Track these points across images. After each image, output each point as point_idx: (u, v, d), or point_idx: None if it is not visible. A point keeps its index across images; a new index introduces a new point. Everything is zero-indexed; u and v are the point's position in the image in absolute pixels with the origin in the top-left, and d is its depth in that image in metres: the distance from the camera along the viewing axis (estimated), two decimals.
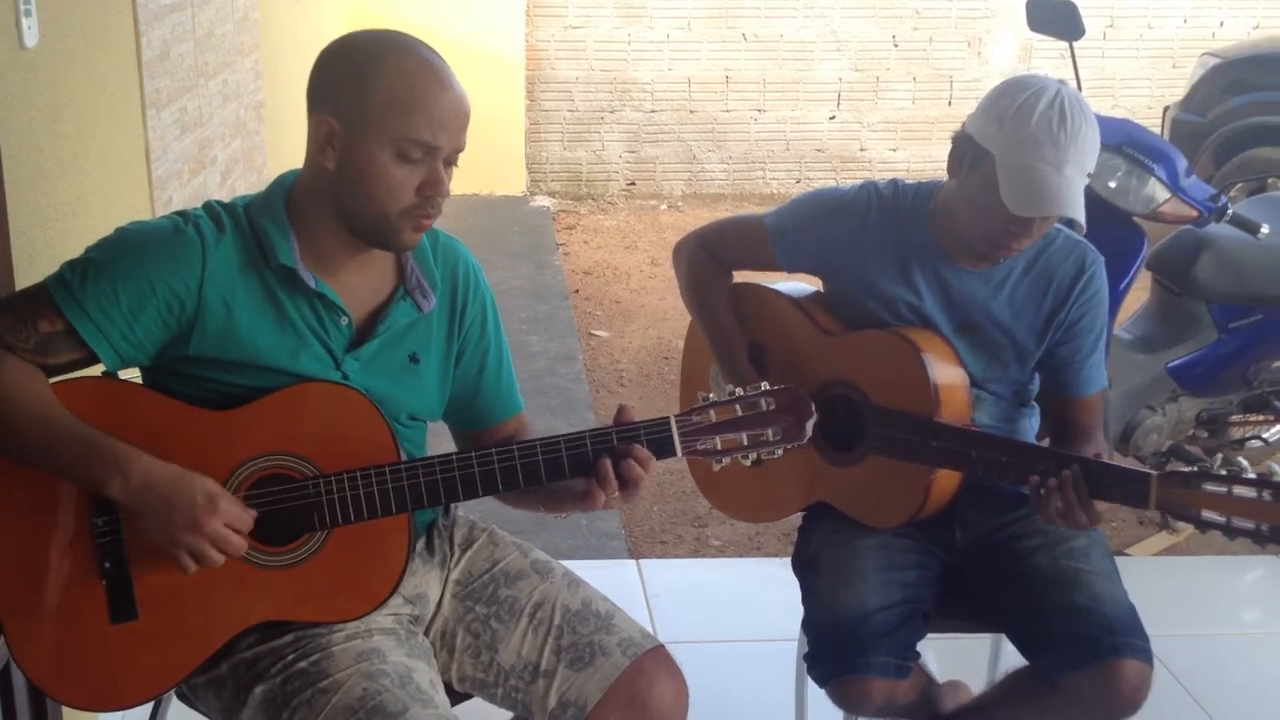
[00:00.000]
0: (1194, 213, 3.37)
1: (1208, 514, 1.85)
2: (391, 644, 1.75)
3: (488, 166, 7.38)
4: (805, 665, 2.16)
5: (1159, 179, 3.33)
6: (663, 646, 1.87)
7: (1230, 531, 1.84)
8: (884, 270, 2.20)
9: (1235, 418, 3.77)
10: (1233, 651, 3.13)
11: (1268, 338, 3.61)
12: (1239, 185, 5.63)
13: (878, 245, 2.20)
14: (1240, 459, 3.69)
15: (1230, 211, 3.38)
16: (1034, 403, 2.32)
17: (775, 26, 7.92)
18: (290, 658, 1.71)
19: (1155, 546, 3.79)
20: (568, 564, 1.98)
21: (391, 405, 1.77)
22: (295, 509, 1.68)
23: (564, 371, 5.08)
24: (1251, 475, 1.85)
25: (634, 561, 3.52)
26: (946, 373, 2.14)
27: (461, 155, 1.72)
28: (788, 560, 2.33)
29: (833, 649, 2.09)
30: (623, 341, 5.53)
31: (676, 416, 1.73)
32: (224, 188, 3.81)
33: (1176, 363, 3.62)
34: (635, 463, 1.69)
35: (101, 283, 1.64)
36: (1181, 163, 3.42)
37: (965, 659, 2.57)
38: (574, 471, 1.71)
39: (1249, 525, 1.82)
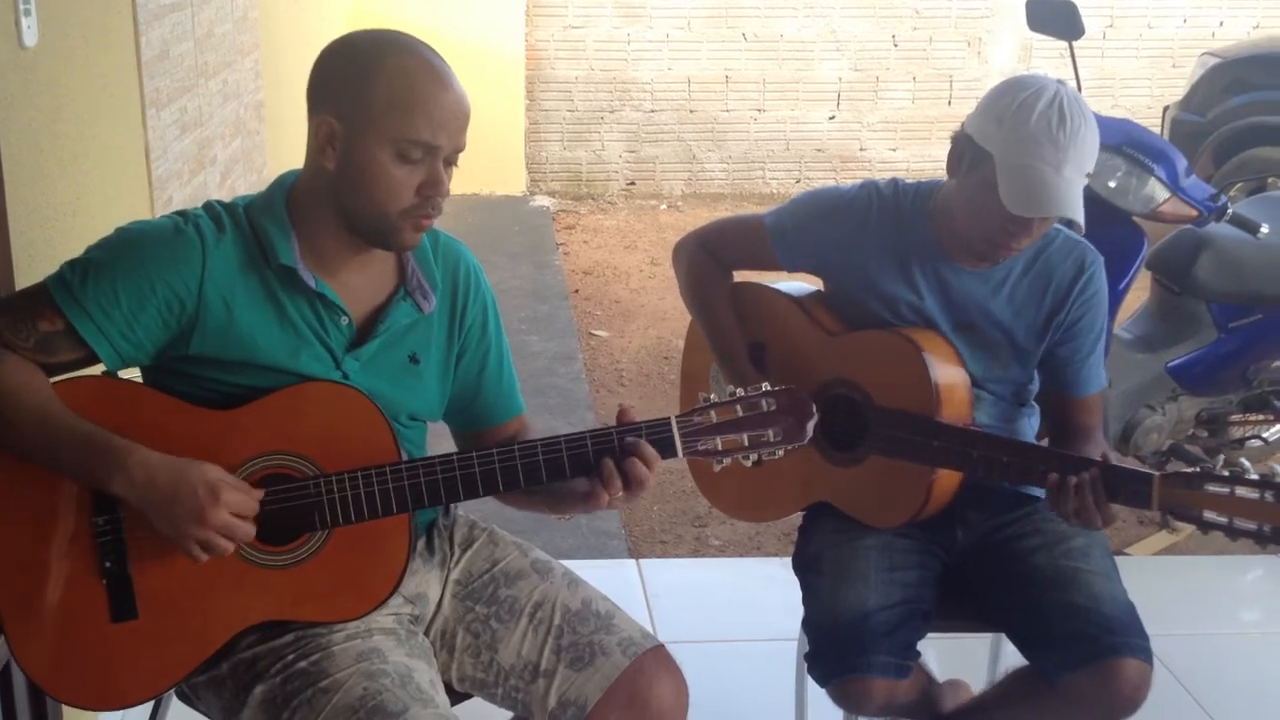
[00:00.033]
0: (1194, 212, 3.37)
1: (1210, 515, 1.85)
2: (392, 644, 1.75)
3: (488, 166, 7.38)
4: (805, 665, 2.16)
5: (1159, 179, 3.33)
6: (663, 646, 1.87)
7: (1232, 532, 1.84)
8: (884, 269, 2.20)
9: (1235, 417, 3.77)
10: (1233, 651, 3.13)
11: (1267, 337, 3.61)
12: (1239, 185, 5.63)
13: (878, 245, 2.20)
14: (1243, 459, 3.68)
15: (1230, 211, 3.38)
16: (1034, 403, 2.32)
17: (775, 26, 7.92)
18: (290, 657, 1.71)
19: (1155, 546, 3.79)
20: (568, 564, 1.98)
21: (391, 405, 1.77)
22: (296, 508, 1.68)
23: (564, 371, 5.08)
24: (1254, 476, 1.85)
25: (634, 561, 3.52)
26: (948, 373, 2.14)
27: (461, 155, 1.72)
28: (788, 560, 2.33)
29: (833, 648, 2.09)
30: (622, 341, 5.53)
31: (678, 417, 1.73)
32: (224, 188, 3.81)
33: (1176, 362, 3.62)
34: (641, 462, 1.69)
35: (102, 282, 1.64)
36: (1181, 162, 3.42)
37: (965, 658, 2.57)
38: (574, 471, 1.71)
39: (1251, 526, 1.82)
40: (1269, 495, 1.80)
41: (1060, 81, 2.06)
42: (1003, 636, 2.35)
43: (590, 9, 7.80)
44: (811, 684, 2.17)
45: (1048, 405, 2.29)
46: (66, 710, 2.23)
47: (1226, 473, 1.85)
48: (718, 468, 1.75)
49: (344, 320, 1.76)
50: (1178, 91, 6.83)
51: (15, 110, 2.06)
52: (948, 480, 2.14)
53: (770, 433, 1.73)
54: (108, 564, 1.66)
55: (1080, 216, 2.02)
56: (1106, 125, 3.16)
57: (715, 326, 2.36)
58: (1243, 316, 3.59)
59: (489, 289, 1.94)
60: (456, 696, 1.89)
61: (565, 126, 8.00)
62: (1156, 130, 5.75)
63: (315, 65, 1.70)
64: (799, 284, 2.40)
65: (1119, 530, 3.85)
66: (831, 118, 8.11)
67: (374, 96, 1.64)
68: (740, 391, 1.74)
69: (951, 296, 2.19)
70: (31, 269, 2.03)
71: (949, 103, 8.10)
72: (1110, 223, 3.28)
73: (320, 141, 1.68)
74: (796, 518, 2.37)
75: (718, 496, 2.51)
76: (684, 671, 1.87)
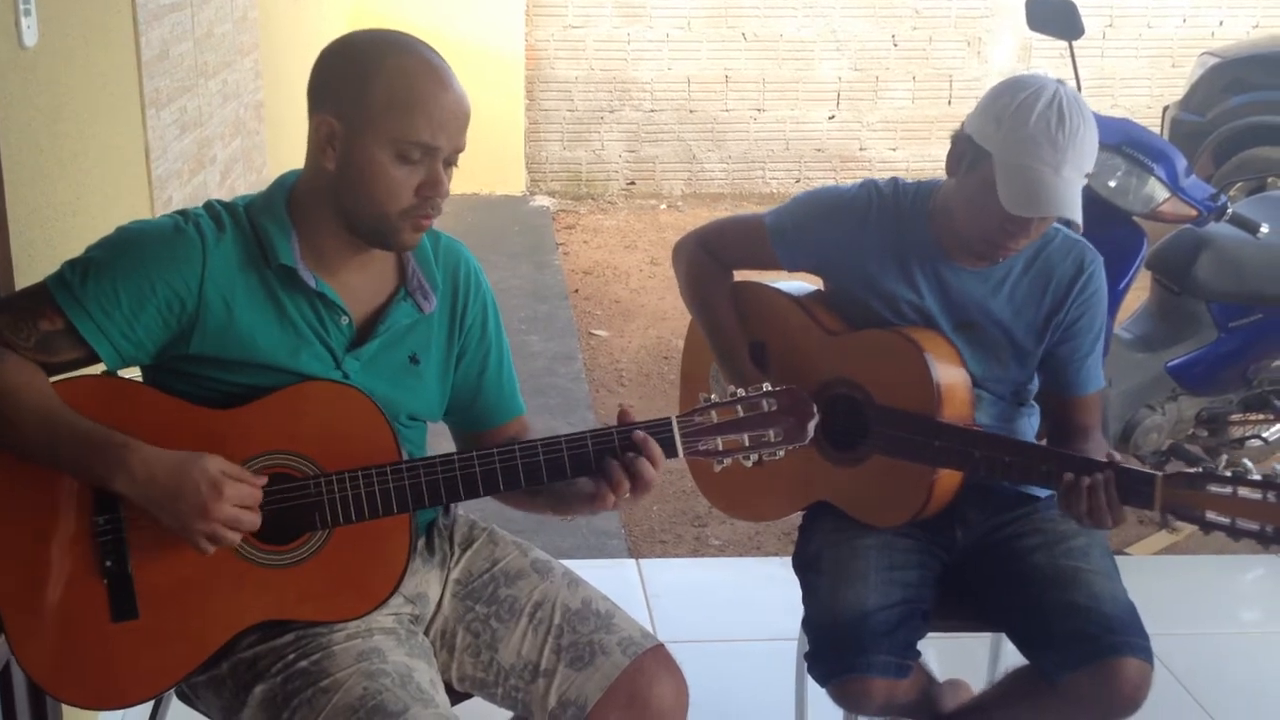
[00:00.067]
0: (1193, 212, 3.37)
1: (1212, 515, 1.84)
2: (392, 643, 1.75)
3: (487, 166, 7.38)
4: (805, 664, 2.16)
5: (1158, 178, 3.33)
6: (663, 646, 1.87)
7: (1235, 533, 1.83)
8: (884, 269, 2.20)
9: (1235, 417, 3.77)
10: (1233, 650, 3.13)
11: (1267, 337, 3.61)
12: (1238, 184, 5.63)
13: (877, 244, 2.20)
14: (1245, 460, 3.69)
15: (1230, 211, 3.38)
16: (1033, 402, 2.32)
17: (775, 26, 7.92)
18: (291, 657, 1.71)
19: (1155, 545, 3.79)
20: (568, 563, 1.98)
21: (391, 405, 1.77)
22: (297, 508, 1.68)
23: (564, 371, 5.08)
24: (1257, 476, 1.84)
25: (634, 561, 3.52)
26: (949, 372, 2.14)
27: (461, 155, 1.72)
28: (788, 560, 2.33)
29: (833, 648, 2.09)
30: (622, 341, 5.53)
31: (678, 417, 1.73)
32: (223, 187, 3.81)
33: (1176, 362, 3.62)
34: (649, 461, 1.69)
35: (102, 281, 1.64)
36: (1181, 162, 3.42)
37: (965, 658, 2.57)
38: (575, 471, 1.71)
39: (1254, 526, 1.82)
40: (1271, 496, 1.80)
41: (1060, 81, 2.06)
42: (1003, 636, 2.35)
43: (590, 9, 7.80)
44: (811, 684, 2.17)
45: (1047, 405, 2.29)
46: (66, 710, 2.23)
47: (1229, 473, 1.84)
48: (718, 468, 1.75)
49: (344, 320, 1.76)
50: (1177, 91, 6.83)
51: (15, 110, 2.06)
52: (949, 480, 2.14)
53: (771, 433, 1.73)
54: (108, 563, 1.66)
55: (1079, 217, 2.02)
56: (1106, 125, 3.16)
57: (715, 326, 2.36)
58: (1243, 316, 3.59)
59: (489, 290, 1.94)
60: (456, 696, 1.89)
61: (565, 126, 8.00)
62: (1156, 130, 5.75)
63: (315, 65, 1.71)
64: (799, 283, 2.40)
65: (1119, 530, 3.83)
66: (831, 117, 8.11)
67: (374, 96, 1.64)
68: (741, 391, 1.74)
69: (951, 296, 2.19)
70: (31, 269, 2.03)
71: (949, 102, 8.10)
72: (1110, 222, 3.28)
73: (320, 141, 1.68)
74: (796, 517, 2.37)
75: (717, 496, 2.51)
76: (684, 671, 1.87)
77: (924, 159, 8.09)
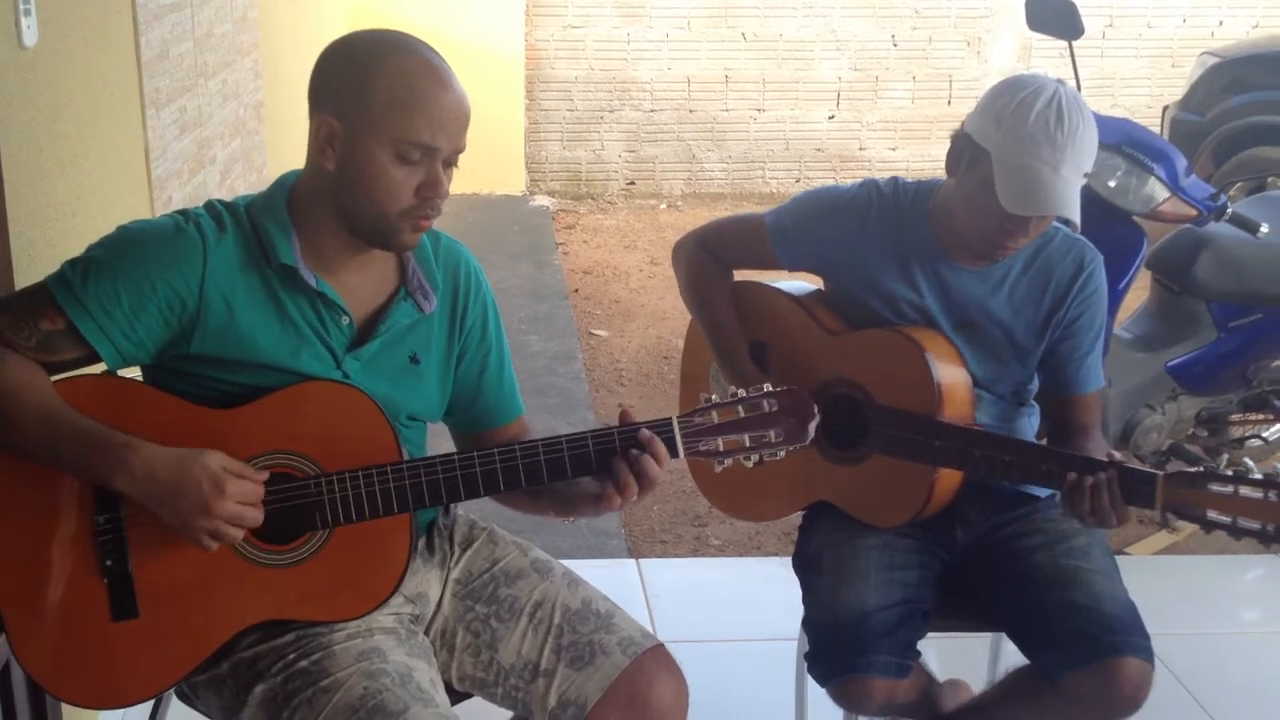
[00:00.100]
0: (1193, 212, 3.37)
1: (1214, 514, 1.84)
2: (392, 643, 1.75)
3: (487, 166, 7.39)
4: (805, 664, 2.16)
5: (1158, 178, 3.33)
6: (663, 646, 1.87)
7: (1236, 532, 1.83)
8: (884, 268, 2.20)
9: (1235, 417, 3.77)
10: (1233, 650, 3.13)
11: (1267, 336, 3.61)
12: (1238, 184, 5.63)
13: (878, 243, 2.20)
14: (1246, 459, 3.69)
15: (1229, 210, 3.38)
16: (1033, 402, 2.32)
17: (775, 26, 7.92)
18: (291, 657, 1.71)
19: (1155, 545, 3.79)
20: (568, 563, 1.98)
21: (392, 405, 1.77)
22: (297, 507, 1.68)
23: (563, 371, 5.08)
24: (1258, 475, 1.84)
25: (634, 561, 3.52)
26: (949, 372, 2.14)
27: (461, 155, 1.72)
28: (788, 560, 2.33)
29: (833, 648, 2.09)
30: (622, 341, 5.53)
31: (679, 417, 1.72)
32: (223, 187, 3.81)
33: (1176, 361, 3.63)
34: (654, 460, 1.69)
35: (103, 281, 1.64)
36: (1181, 162, 3.42)
37: (965, 658, 2.57)
38: (576, 471, 1.71)
39: (1255, 526, 1.82)
40: (1273, 495, 1.80)
41: (1059, 81, 2.06)
42: (1003, 636, 2.35)
43: (590, 9, 7.80)
44: (811, 684, 2.17)
45: (1047, 404, 2.29)
46: (66, 709, 2.23)
47: (1230, 472, 1.84)
48: (719, 468, 1.75)
49: (345, 320, 1.76)
50: (1177, 91, 6.84)
51: (15, 110, 2.06)
52: (949, 480, 2.14)
53: (772, 433, 1.73)
54: (109, 562, 1.66)
55: (1077, 216, 2.03)
56: (1106, 125, 3.16)
57: (716, 326, 2.36)
58: (1242, 316, 3.59)
59: (489, 290, 1.94)
60: (456, 696, 1.89)
61: (565, 126, 8.00)
62: (1156, 130, 5.75)
63: (316, 65, 1.71)
64: (800, 283, 2.40)
65: (1119, 530, 3.84)
66: (831, 117, 8.11)
67: (374, 97, 1.64)
68: (742, 392, 1.74)
69: (951, 295, 2.19)
70: (31, 269, 2.03)
71: (948, 102, 8.10)
72: (1110, 222, 3.28)
73: (320, 141, 1.68)
74: (796, 517, 2.37)
75: (718, 496, 2.51)
76: (684, 671, 1.87)
77: (924, 159, 8.09)
